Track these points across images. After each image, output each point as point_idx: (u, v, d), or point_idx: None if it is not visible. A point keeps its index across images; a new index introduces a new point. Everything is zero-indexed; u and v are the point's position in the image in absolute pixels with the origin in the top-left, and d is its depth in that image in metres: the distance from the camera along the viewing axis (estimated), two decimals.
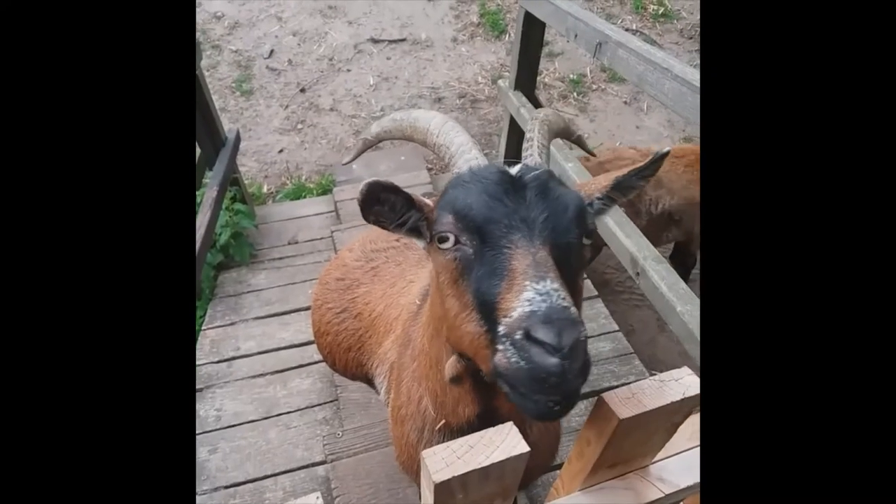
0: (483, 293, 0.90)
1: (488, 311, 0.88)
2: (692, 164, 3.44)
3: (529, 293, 0.82)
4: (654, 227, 3.48)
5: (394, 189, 1.00)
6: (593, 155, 1.56)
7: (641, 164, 1.07)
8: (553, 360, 0.77)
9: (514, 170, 0.99)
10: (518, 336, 0.80)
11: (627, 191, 1.11)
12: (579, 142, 1.43)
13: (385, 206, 1.02)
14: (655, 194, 3.44)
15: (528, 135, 1.13)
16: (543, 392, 0.79)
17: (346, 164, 1.64)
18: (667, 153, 1.06)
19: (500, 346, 0.83)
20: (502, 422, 0.80)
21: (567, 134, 1.34)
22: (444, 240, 0.98)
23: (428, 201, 1.06)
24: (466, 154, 1.07)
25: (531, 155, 1.10)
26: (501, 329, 0.83)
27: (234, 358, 3.16)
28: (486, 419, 1.15)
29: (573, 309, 0.81)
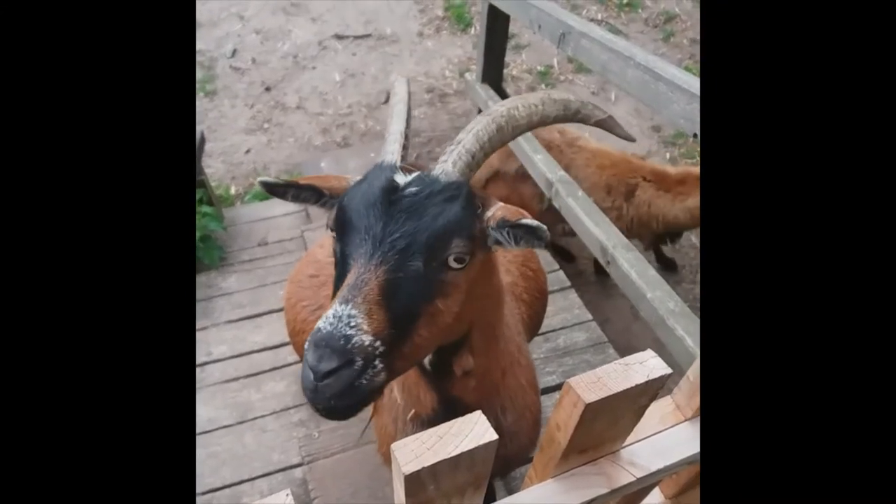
0: (334, 292, 0.96)
1: None
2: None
3: (330, 311, 0.88)
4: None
5: (286, 185, 1.08)
6: (631, 139, 1.28)
7: (513, 220, 0.98)
8: (309, 377, 0.86)
9: (404, 178, 0.98)
10: (306, 345, 0.87)
11: (516, 240, 0.99)
12: (604, 126, 1.18)
13: (288, 195, 1.09)
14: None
15: (459, 136, 1.01)
16: (307, 398, 0.88)
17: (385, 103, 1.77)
18: (536, 227, 0.94)
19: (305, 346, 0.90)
20: (468, 411, 0.80)
21: (575, 120, 1.14)
22: (332, 230, 1.02)
23: (350, 184, 1.07)
24: (388, 146, 1.06)
25: (444, 161, 0.99)
26: None
27: (205, 363, 3.11)
28: (449, 408, 1.17)
29: (358, 339, 0.86)
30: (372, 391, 0.90)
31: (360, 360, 0.86)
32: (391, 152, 1.05)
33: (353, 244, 0.94)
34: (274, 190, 1.07)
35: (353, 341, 0.86)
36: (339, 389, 0.85)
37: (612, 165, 3.45)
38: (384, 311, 0.89)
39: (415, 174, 0.99)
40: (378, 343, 0.88)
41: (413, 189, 0.95)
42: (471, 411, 0.80)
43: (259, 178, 1.05)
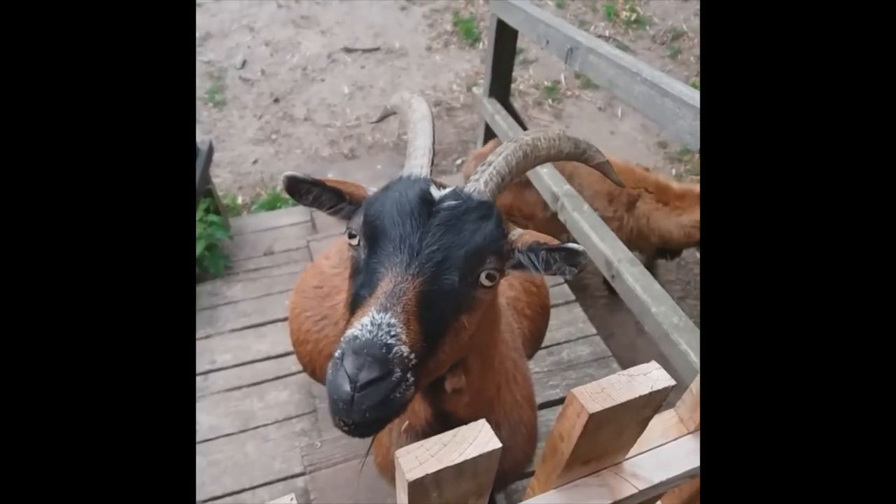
0: (354, 300, 0.95)
1: (350, 318, 0.92)
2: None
3: (367, 319, 0.86)
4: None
5: (313, 182, 1.06)
6: (621, 185, 1.36)
7: (553, 244, 1.00)
8: (345, 388, 0.81)
9: (438, 192, 0.98)
10: (338, 354, 0.84)
11: (546, 266, 1.00)
12: (601, 169, 1.24)
13: (309, 196, 1.07)
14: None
15: (489, 158, 1.05)
16: (335, 412, 0.84)
17: (373, 122, 1.82)
18: (580, 251, 0.96)
19: (335, 355, 0.86)
20: (461, 425, 0.80)
21: (580, 159, 1.19)
22: (352, 236, 1.01)
23: (368, 193, 1.08)
24: (415, 160, 1.07)
25: (476, 181, 1.01)
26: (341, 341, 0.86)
27: (209, 371, 3.11)
28: (443, 422, 1.18)
29: (398, 349, 0.84)
30: (403, 405, 0.87)
31: (398, 371, 0.84)
32: (420, 166, 1.05)
33: (385, 252, 0.93)
34: (296, 188, 1.06)
35: (393, 351, 0.84)
36: (377, 401, 0.82)
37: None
38: (418, 323, 0.88)
39: (450, 189, 1.00)
40: (413, 355, 0.86)
41: (452, 203, 0.96)
42: (464, 425, 0.81)
43: (285, 173, 1.04)
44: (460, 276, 0.93)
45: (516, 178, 1.09)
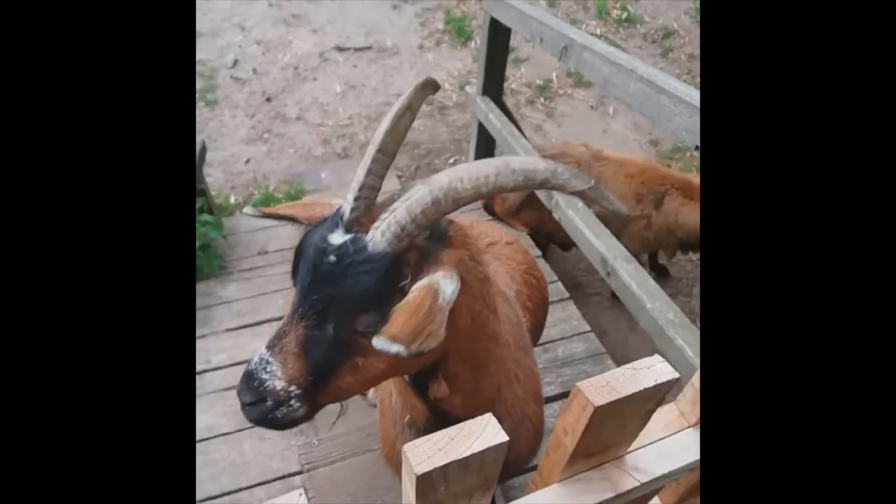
0: None
1: None
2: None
3: (259, 350, 1.01)
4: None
5: (266, 215, 1.22)
6: (622, 212, 1.06)
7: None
8: (240, 398, 1.02)
9: (338, 239, 0.97)
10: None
11: None
12: (584, 197, 0.97)
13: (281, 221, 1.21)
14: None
15: (395, 204, 0.96)
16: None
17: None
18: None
19: None
20: (458, 422, 0.81)
21: (549, 187, 0.96)
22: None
23: (324, 213, 1.08)
24: (349, 193, 1.03)
25: (376, 228, 0.96)
26: None
27: (205, 371, 3.10)
28: (441, 419, 1.20)
29: (271, 384, 0.99)
30: (291, 422, 1.02)
31: (270, 401, 0.99)
32: (348, 201, 1.02)
33: (295, 289, 1.02)
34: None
35: (265, 384, 0.98)
36: (256, 418, 1.00)
37: (640, 173, 3.46)
38: (301, 361, 0.99)
39: (348, 237, 0.97)
40: (293, 388, 0.99)
41: (332, 259, 0.96)
42: (461, 422, 0.81)
43: (244, 210, 1.20)
44: (335, 327, 0.98)
45: (429, 225, 0.98)
